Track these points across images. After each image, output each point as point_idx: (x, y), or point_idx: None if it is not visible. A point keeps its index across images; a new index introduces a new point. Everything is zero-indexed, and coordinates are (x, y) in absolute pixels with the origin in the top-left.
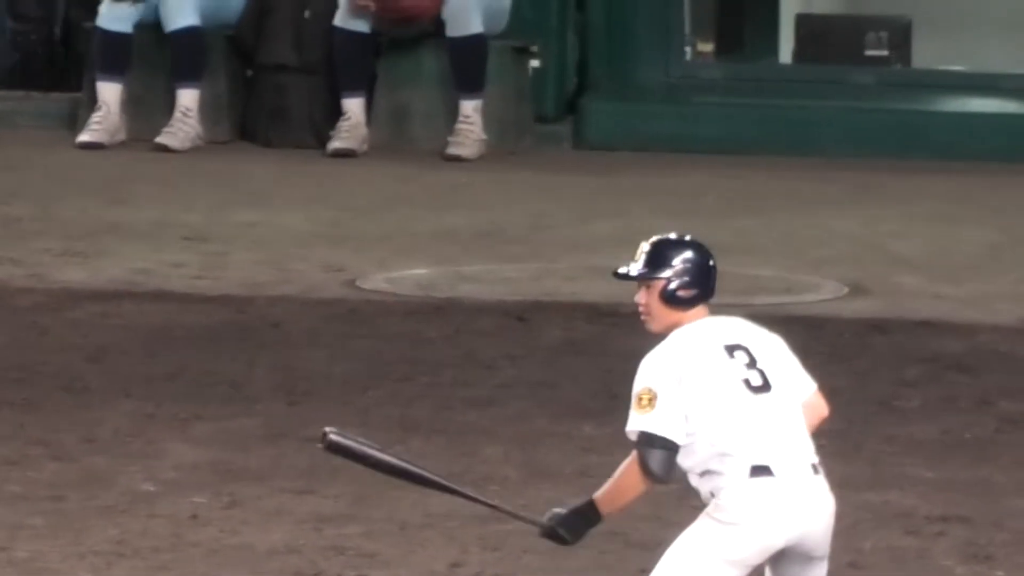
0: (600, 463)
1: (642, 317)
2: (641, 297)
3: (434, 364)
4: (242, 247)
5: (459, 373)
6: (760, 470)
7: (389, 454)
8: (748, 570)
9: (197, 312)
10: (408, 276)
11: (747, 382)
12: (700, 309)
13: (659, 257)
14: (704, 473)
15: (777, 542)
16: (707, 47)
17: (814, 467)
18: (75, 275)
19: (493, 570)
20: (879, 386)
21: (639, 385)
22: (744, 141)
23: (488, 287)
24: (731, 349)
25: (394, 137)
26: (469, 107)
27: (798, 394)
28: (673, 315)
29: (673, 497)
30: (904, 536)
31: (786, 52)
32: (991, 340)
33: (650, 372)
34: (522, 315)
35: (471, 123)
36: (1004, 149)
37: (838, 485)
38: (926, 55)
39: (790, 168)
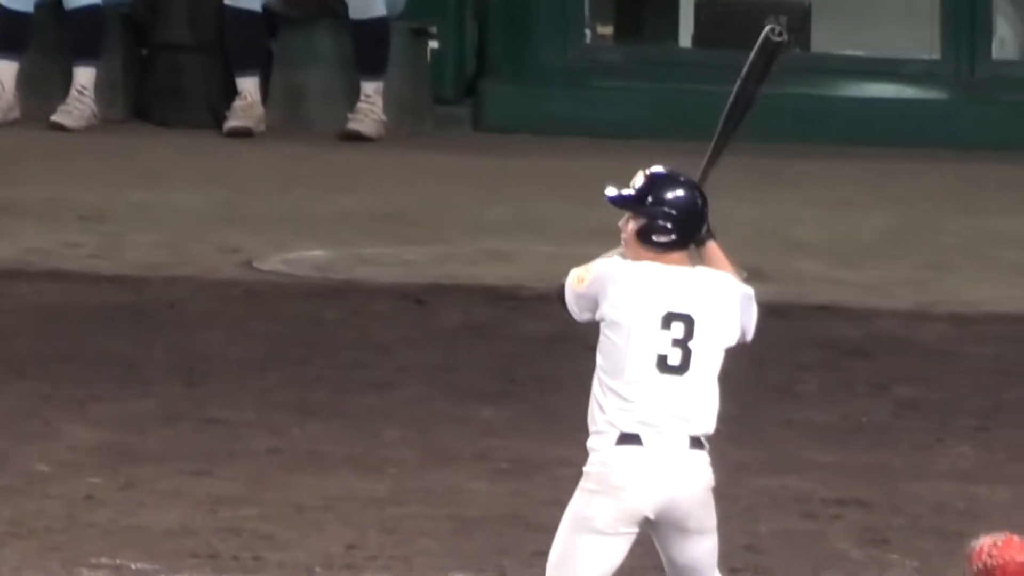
0: (499, 446)
1: (622, 241)
2: (623, 224)
3: (332, 347)
4: (138, 227)
5: (357, 356)
6: (629, 438)
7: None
8: (623, 539)
9: (93, 293)
10: (306, 258)
11: (663, 359)
12: (677, 255)
13: (648, 194)
14: (590, 432)
15: (641, 509)
16: (607, 30)
17: (695, 440)
18: None
19: (390, 552)
20: (777, 371)
21: (589, 267)
22: (643, 125)
23: (386, 269)
24: (671, 319)
25: (291, 117)
26: (370, 88)
27: (720, 362)
28: (647, 254)
29: (572, 481)
30: (801, 520)
31: (686, 36)
32: (888, 325)
33: (601, 267)
34: (421, 298)
35: (372, 103)
36: (903, 134)
37: (735, 469)
38: (825, 40)
39: (689, 153)
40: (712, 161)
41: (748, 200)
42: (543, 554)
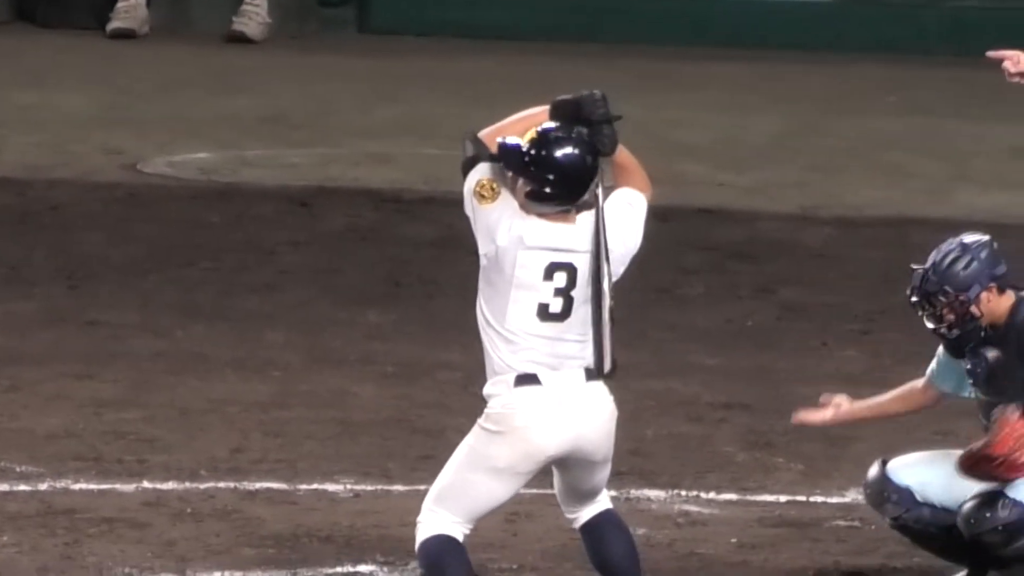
0: (384, 350)
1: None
2: (511, 183)
3: (216, 249)
4: (19, 129)
5: (241, 258)
6: (526, 379)
7: None
8: (520, 478)
9: None
10: (190, 160)
11: (544, 308)
12: (566, 213)
13: (536, 148)
14: (487, 377)
15: (546, 451)
16: None
17: (590, 371)
18: None
19: (275, 456)
20: (661, 274)
21: (494, 190)
22: (531, 27)
23: (271, 172)
24: (553, 269)
25: (175, 19)
26: None
27: (607, 299)
28: (535, 212)
29: (457, 385)
30: (687, 423)
31: None
32: (773, 228)
33: (497, 207)
34: (305, 201)
35: (256, 5)
36: (790, 37)
37: (620, 373)
38: None
39: (576, 55)
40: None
41: (634, 102)
42: (428, 457)
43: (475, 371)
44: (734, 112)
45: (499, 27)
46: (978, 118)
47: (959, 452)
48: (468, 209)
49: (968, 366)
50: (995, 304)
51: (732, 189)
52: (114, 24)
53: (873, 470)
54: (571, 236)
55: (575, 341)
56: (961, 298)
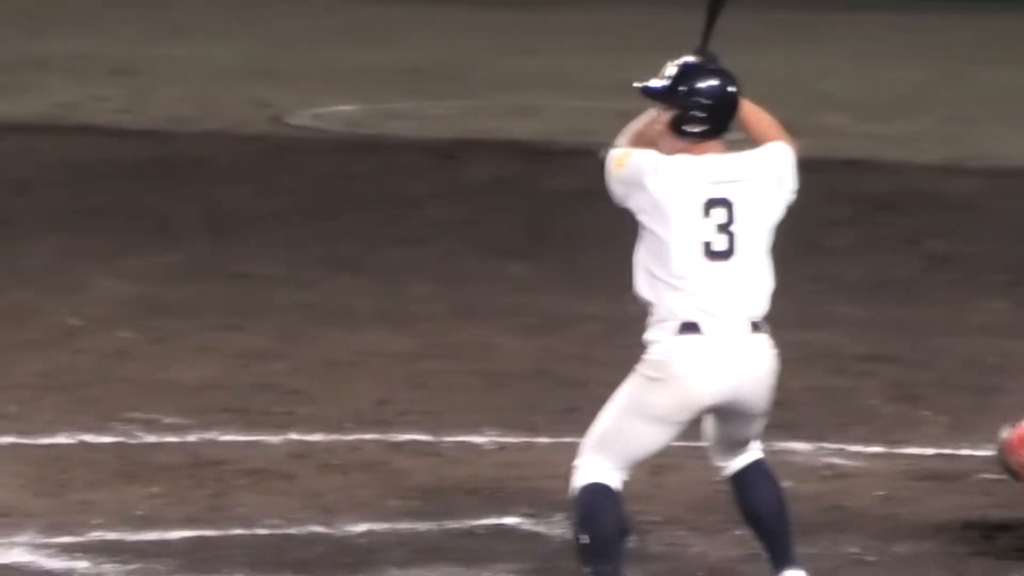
0: (527, 302)
1: (655, 134)
2: (655, 118)
3: (361, 202)
4: (165, 82)
5: (386, 211)
6: (689, 327)
7: None
8: (678, 427)
9: (122, 147)
10: (335, 113)
11: (708, 246)
12: (712, 143)
13: (679, 84)
14: (646, 321)
15: (704, 400)
16: None
17: (755, 324)
18: None
19: (420, 408)
20: (806, 225)
21: (626, 156)
22: None
23: (416, 124)
24: (711, 205)
25: None
26: None
27: (769, 242)
28: (680, 144)
29: (601, 337)
30: (831, 375)
31: None
32: (919, 179)
33: (639, 157)
34: (450, 153)
35: None
36: None
37: (766, 325)
38: None
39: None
40: (710, 22)
41: (777, 54)
42: (573, 410)
43: (619, 322)
44: (878, 63)
45: None
46: None
47: None
48: (614, 187)
49: None
50: None
51: (878, 140)
52: None
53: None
54: (723, 168)
55: (742, 285)
56: None
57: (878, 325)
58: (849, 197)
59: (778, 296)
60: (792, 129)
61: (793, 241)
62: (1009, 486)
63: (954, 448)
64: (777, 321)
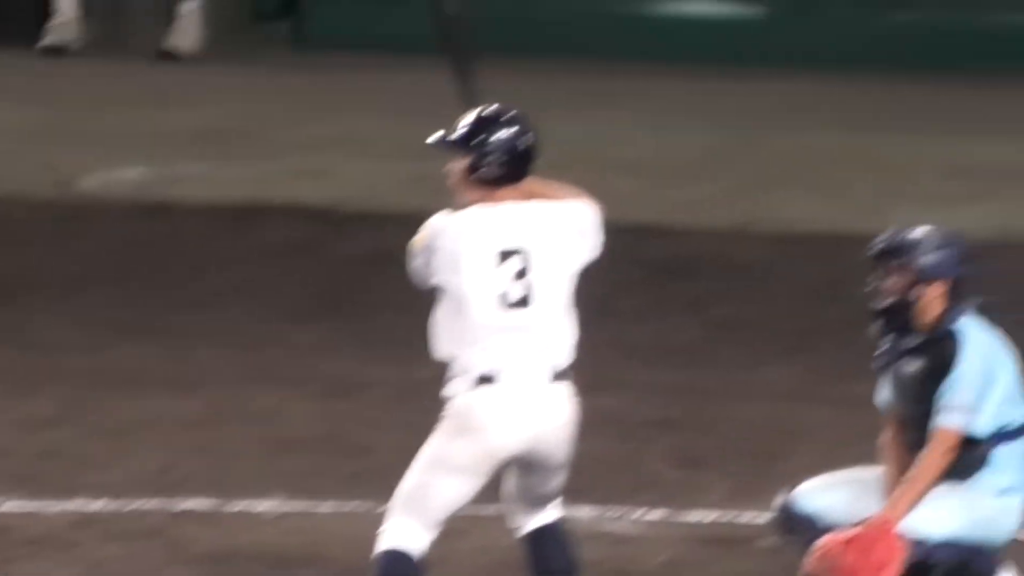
0: (316, 367)
1: (450, 185)
2: (451, 167)
3: (150, 266)
4: None
5: (175, 276)
6: (487, 378)
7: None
8: (480, 477)
9: None
10: (125, 177)
11: (504, 296)
12: (508, 190)
13: (473, 133)
14: (446, 377)
15: (504, 450)
16: None
17: (554, 373)
18: None
19: (206, 474)
20: (594, 289)
21: (420, 233)
22: (467, 43)
23: (205, 188)
24: (506, 255)
25: (108, 34)
26: (190, 6)
27: (569, 290)
28: (477, 192)
29: (391, 402)
30: (616, 440)
31: None
32: (706, 244)
33: (430, 223)
34: (239, 217)
35: (191, 20)
36: (723, 52)
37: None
38: None
39: (508, 72)
40: (465, 78)
41: (565, 118)
42: (360, 475)
43: (408, 388)
44: (668, 128)
45: (432, 41)
46: (914, 133)
47: (866, 471)
48: (416, 263)
49: (881, 348)
50: (933, 304)
51: (667, 204)
52: (46, 41)
53: (779, 498)
54: (517, 217)
55: (542, 334)
56: (916, 271)
57: (663, 390)
58: (638, 261)
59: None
60: (584, 194)
61: (581, 305)
62: (791, 552)
63: (737, 513)
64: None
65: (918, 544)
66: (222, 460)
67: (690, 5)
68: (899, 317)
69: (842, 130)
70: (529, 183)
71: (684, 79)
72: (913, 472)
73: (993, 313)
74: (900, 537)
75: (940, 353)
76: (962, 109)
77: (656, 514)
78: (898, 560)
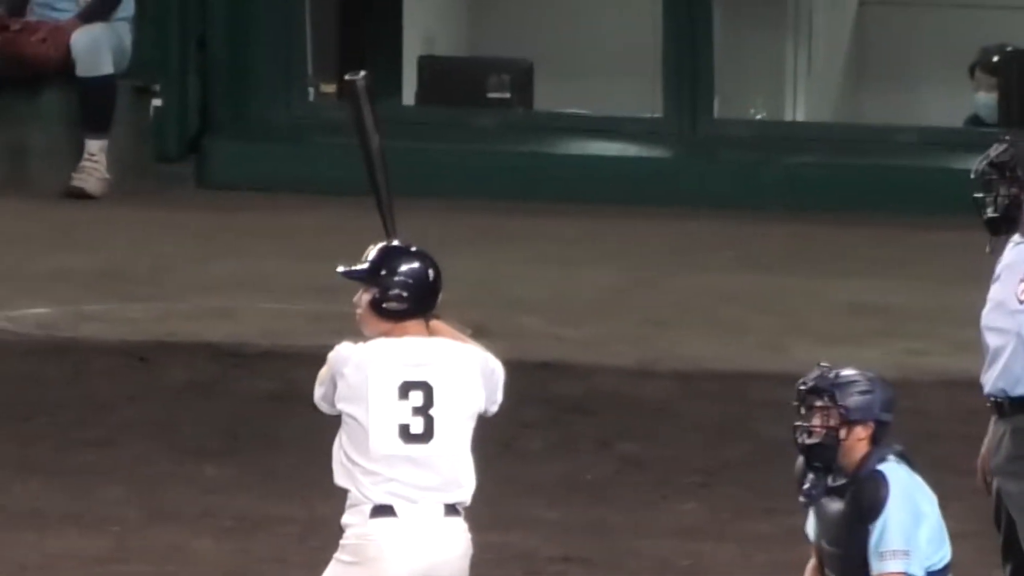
0: (223, 503)
1: (356, 318)
2: (357, 299)
3: (54, 404)
4: None
5: (79, 413)
6: (382, 510)
7: (379, 154)
8: None
9: None
10: (28, 315)
11: (405, 428)
12: (414, 323)
13: (379, 266)
14: (346, 508)
15: None
16: (330, 88)
17: (450, 507)
18: None
19: None
20: (500, 427)
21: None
22: (365, 183)
23: (110, 326)
24: (408, 388)
25: (14, 175)
26: (95, 146)
27: (469, 427)
28: (382, 325)
29: (295, 539)
30: None
31: (409, 94)
32: (610, 382)
33: (333, 353)
34: (144, 355)
35: (96, 161)
36: (626, 192)
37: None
38: (548, 98)
39: (413, 210)
40: (386, 218)
41: (469, 256)
42: None
43: (313, 524)
44: (569, 266)
45: (334, 181)
46: (814, 274)
47: None
48: (319, 393)
49: (806, 485)
50: (857, 446)
51: (569, 343)
52: None
53: None
54: (421, 351)
55: (441, 469)
56: (842, 412)
57: (571, 527)
58: (542, 399)
59: (472, 497)
60: (486, 331)
61: (486, 442)
62: None
63: None
64: (472, 523)
65: None
66: None
67: (594, 146)
68: (823, 455)
69: (744, 270)
70: (437, 325)
71: (586, 218)
72: None
73: (910, 454)
74: None
75: (862, 496)
76: (862, 251)
77: None
78: None
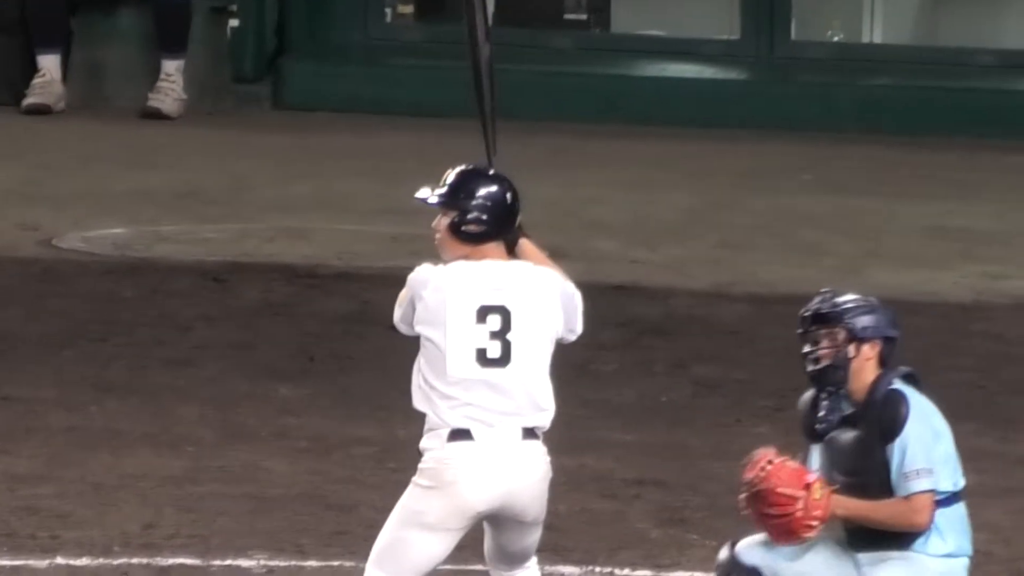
0: (297, 424)
1: (436, 242)
2: (436, 223)
3: (130, 324)
4: None
5: (155, 333)
6: (460, 434)
7: (489, 64)
8: (453, 534)
9: None
10: (104, 235)
11: (482, 352)
12: (492, 246)
13: (458, 189)
14: (424, 432)
15: (475, 506)
16: (407, 9)
17: (528, 431)
18: None
19: (188, 531)
20: (575, 350)
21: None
22: (443, 104)
23: (186, 247)
24: (486, 312)
25: (91, 95)
26: (171, 66)
27: (547, 352)
28: (462, 248)
29: (371, 460)
30: (600, 499)
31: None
32: (685, 304)
33: (413, 274)
34: (219, 276)
35: (172, 81)
36: (702, 115)
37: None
38: (625, 20)
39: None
40: (488, 132)
41: (547, 179)
42: (341, 533)
43: (389, 446)
44: (646, 189)
45: (411, 103)
46: (890, 196)
47: None
48: (398, 314)
49: (821, 412)
50: (866, 367)
51: (646, 266)
52: (29, 100)
53: (723, 552)
54: (500, 275)
55: (518, 393)
56: (848, 330)
57: (646, 449)
58: (618, 322)
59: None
60: (563, 254)
61: (563, 366)
62: None
63: None
64: (547, 445)
65: None
66: (205, 517)
67: (672, 68)
68: (835, 377)
69: (820, 193)
70: (525, 244)
71: (663, 141)
72: (882, 504)
73: (918, 375)
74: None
75: (883, 415)
76: (939, 174)
77: (641, 572)
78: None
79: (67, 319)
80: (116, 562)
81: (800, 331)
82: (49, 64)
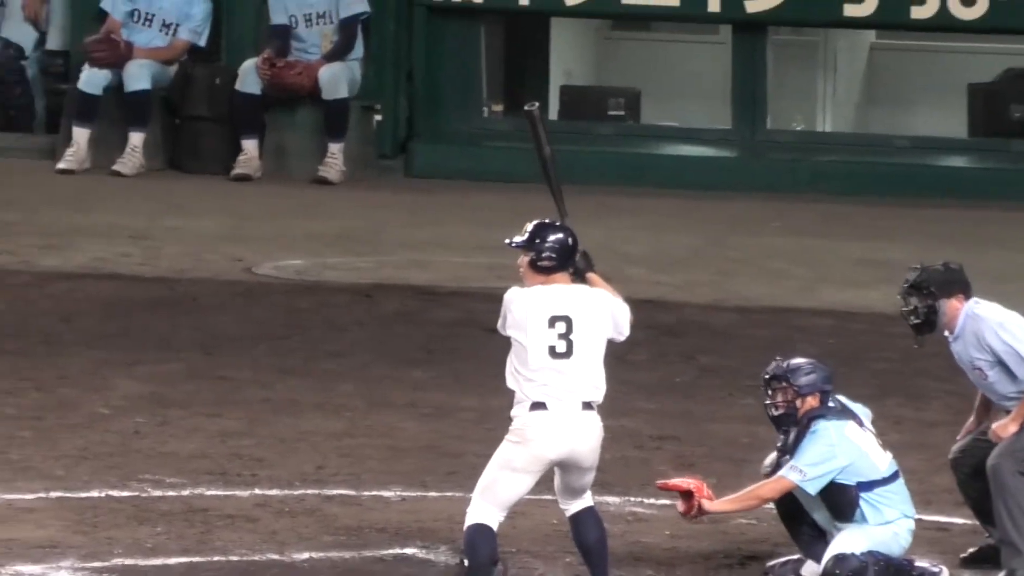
0: (423, 397)
1: (520, 273)
2: (520, 260)
3: (305, 327)
4: (171, 243)
5: (322, 334)
6: (538, 405)
7: (551, 159)
8: (533, 475)
9: (139, 289)
10: (288, 265)
11: (552, 348)
12: (560, 275)
13: (535, 236)
14: (513, 404)
15: (549, 456)
16: (498, 107)
17: (586, 404)
18: (52, 261)
19: (347, 471)
20: (616, 346)
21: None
22: (523, 174)
23: (344, 273)
24: (554, 320)
25: (279, 167)
26: (335, 148)
27: (600, 348)
28: (538, 278)
29: (473, 423)
30: (633, 449)
31: (554, 111)
32: (692, 313)
33: (506, 296)
34: (367, 293)
35: (335, 158)
36: (704, 181)
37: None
38: (651, 114)
39: (564, 192)
40: (558, 201)
41: (594, 224)
42: (453, 473)
43: (487, 412)
44: (664, 232)
45: (500, 173)
46: (835, 238)
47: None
48: (500, 323)
49: (779, 444)
50: (806, 409)
51: (664, 286)
52: (236, 171)
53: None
54: (565, 294)
55: (578, 377)
56: (794, 390)
57: (665, 415)
58: (645, 326)
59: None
60: (607, 277)
61: (607, 357)
62: (756, 528)
63: None
64: (600, 414)
65: (845, 557)
66: (358, 462)
67: (683, 148)
68: (787, 421)
69: (786, 235)
70: (593, 278)
71: (677, 199)
72: (750, 488)
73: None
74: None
75: (798, 436)
76: (869, 223)
77: (662, 501)
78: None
79: (261, 324)
80: (296, 493)
81: (762, 387)
82: (249, 146)
